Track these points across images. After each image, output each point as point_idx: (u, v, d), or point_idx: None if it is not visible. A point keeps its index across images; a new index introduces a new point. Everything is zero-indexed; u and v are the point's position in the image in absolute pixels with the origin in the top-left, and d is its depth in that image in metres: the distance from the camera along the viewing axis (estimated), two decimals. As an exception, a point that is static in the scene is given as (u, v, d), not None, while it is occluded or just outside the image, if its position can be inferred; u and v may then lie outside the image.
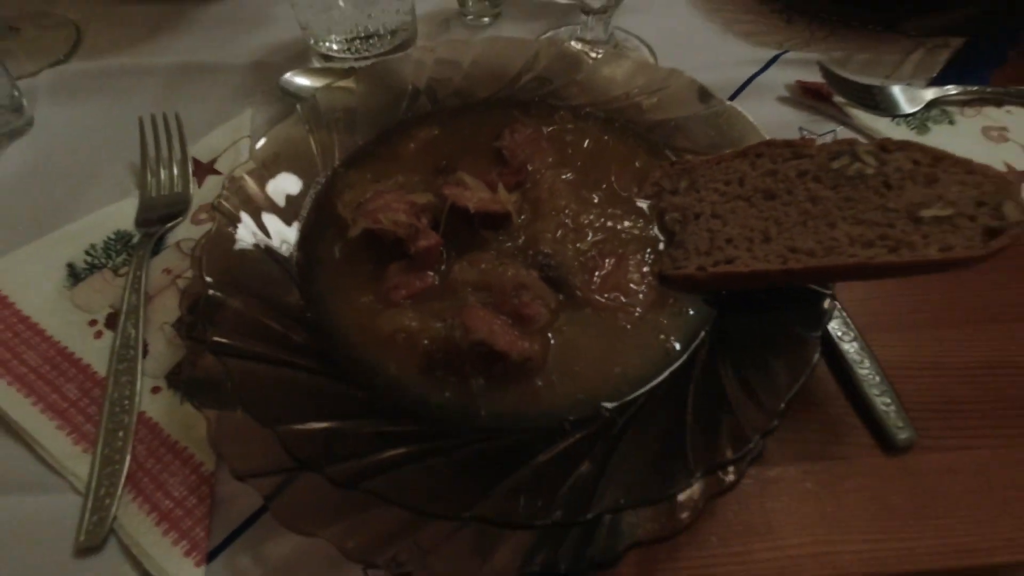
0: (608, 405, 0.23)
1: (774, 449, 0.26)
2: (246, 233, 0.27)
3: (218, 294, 0.25)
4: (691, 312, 0.26)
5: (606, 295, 0.26)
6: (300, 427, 0.21)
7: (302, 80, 0.39)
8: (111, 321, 0.32)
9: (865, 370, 0.28)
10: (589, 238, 0.28)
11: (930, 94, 0.40)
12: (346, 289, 0.27)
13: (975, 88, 0.41)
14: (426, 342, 0.24)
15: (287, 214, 0.29)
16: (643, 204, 0.29)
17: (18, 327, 0.31)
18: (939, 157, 0.25)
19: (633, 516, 0.22)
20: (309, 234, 0.29)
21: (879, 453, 0.27)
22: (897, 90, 0.41)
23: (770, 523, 0.25)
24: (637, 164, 0.32)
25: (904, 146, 0.26)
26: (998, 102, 0.41)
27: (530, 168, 0.31)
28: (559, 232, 0.28)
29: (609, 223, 0.29)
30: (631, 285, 0.26)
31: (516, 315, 0.25)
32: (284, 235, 0.29)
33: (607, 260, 0.27)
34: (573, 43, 0.41)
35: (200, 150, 0.38)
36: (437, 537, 0.21)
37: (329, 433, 0.22)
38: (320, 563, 0.23)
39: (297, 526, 0.22)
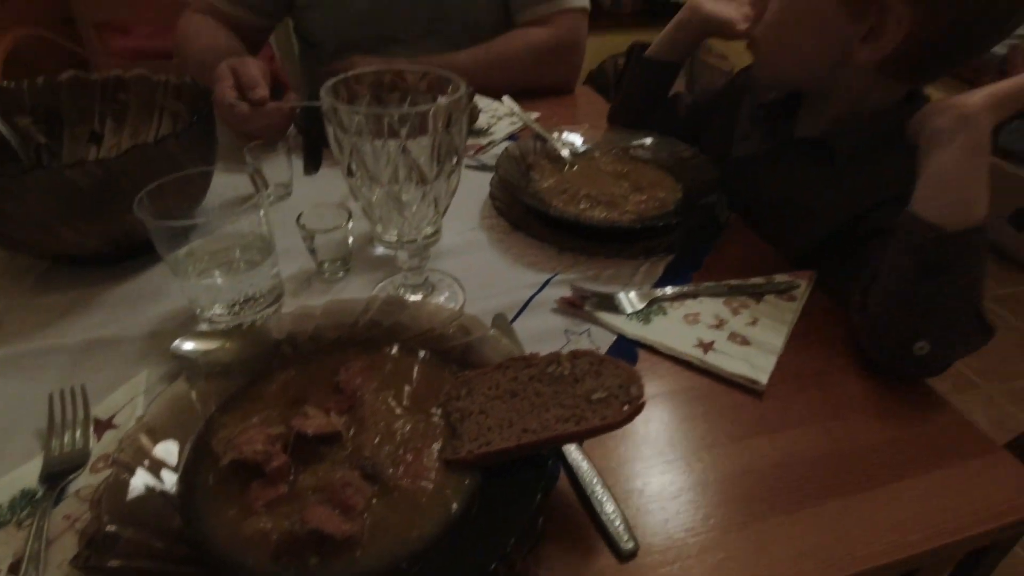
0: (405, 564, 0.33)
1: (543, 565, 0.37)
2: (139, 479, 0.37)
3: (113, 529, 0.34)
4: (467, 481, 0.38)
5: (408, 480, 0.37)
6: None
7: (189, 344, 0.51)
8: (14, 568, 0.38)
9: (597, 489, 0.40)
10: (398, 440, 0.40)
11: (651, 296, 0.59)
12: (218, 507, 0.37)
13: (680, 288, 0.60)
14: (275, 536, 0.34)
15: (172, 457, 0.39)
16: (437, 410, 0.42)
17: (-72, 589, 0.37)
18: (603, 360, 0.40)
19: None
20: (189, 468, 0.39)
21: (614, 562, 0.38)
22: (630, 295, 0.59)
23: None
24: (437, 381, 0.45)
25: (585, 354, 0.41)
26: (694, 295, 0.60)
27: (359, 394, 0.43)
28: (377, 439, 0.40)
29: (413, 427, 0.41)
30: (426, 470, 0.38)
31: (343, 505, 0.35)
32: (169, 474, 0.38)
33: (409, 455, 0.39)
34: (400, 289, 0.57)
35: (100, 410, 0.47)
36: None
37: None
38: None
39: None
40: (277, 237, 0.56)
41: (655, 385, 0.51)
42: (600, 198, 0.68)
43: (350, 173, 0.45)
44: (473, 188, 0.76)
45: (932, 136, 0.49)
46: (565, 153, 0.77)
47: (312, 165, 0.80)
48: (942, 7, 0.51)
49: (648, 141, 0.77)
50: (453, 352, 0.47)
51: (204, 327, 0.55)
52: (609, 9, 3.48)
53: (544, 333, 0.56)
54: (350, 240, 0.62)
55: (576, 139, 0.80)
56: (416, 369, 0.46)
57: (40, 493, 0.42)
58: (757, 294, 0.60)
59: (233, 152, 0.79)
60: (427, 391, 0.44)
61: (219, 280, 0.54)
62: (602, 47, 3.34)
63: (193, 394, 0.43)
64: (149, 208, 0.49)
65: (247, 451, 0.37)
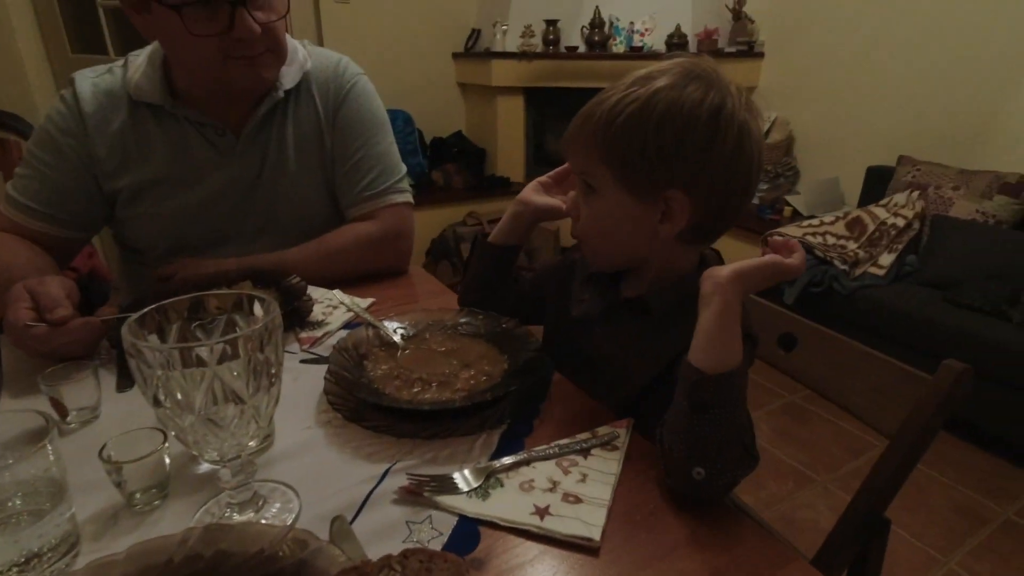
0: None
1: None
2: None
3: None
4: None
5: None
6: None
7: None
8: None
9: None
10: None
11: (487, 469, 0.61)
12: None
13: (515, 457, 0.63)
14: None
15: None
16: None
17: None
18: (432, 556, 0.41)
19: None
20: None
21: None
22: (466, 472, 0.61)
23: None
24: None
25: (415, 552, 0.42)
26: (528, 463, 0.63)
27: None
28: None
29: None
30: None
31: None
32: None
33: None
34: (227, 510, 0.53)
35: None
36: None
37: None
38: None
39: None
40: (78, 471, 0.51)
41: (495, 565, 0.52)
42: (432, 379, 0.72)
43: (157, 403, 0.45)
44: (308, 382, 0.76)
45: (701, 299, 0.61)
46: (397, 338, 0.81)
47: (127, 382, 0.76)
48: (707, 192, 0.67)
49: (472, 318, 0.85)
50: (286, 572, 0.45)
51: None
52: (443, 186, 3.86)
53: (386, 527, 0.55)
54: (167, 462, 0.58)
55: (407, 323, 0.85)
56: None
57: None
58: (584, 450, 0.65)
59: (19, 378, 0.72)
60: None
61: (-7, 540, 0.47)
62: (441, 217, 3.65)
63: None
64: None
65: None
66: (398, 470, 0.62)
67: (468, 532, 0.55)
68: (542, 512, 0.57)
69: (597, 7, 3.35)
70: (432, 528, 0.55)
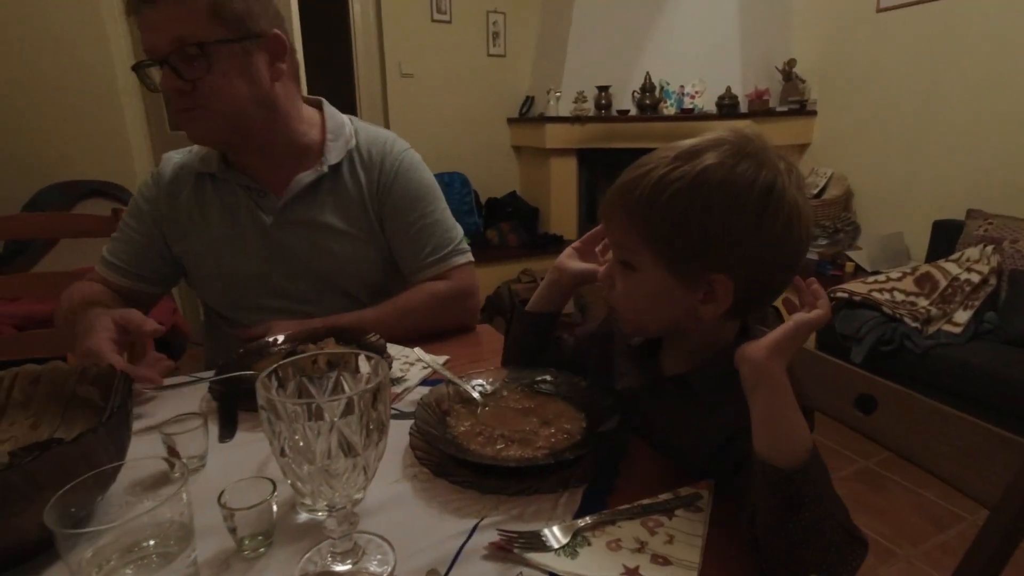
0: None
1: None
2: None
3: None
4: None
5: None
6: None
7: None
8: None
9: None
10: None
11: (573, 527, 0.62)
12: None
13: (599, 515, 0.64)
14: None
15: None
16: None
17: None
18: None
19: None
20: None
21: None
22: (554, 530, 0.62)
23: None
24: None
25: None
26: (612, 521, 0.64)
27: None
28: None
29: None
30: None
31: None
32: None
33: None
34: (328, 558, 0.56)
35: None
36: None
37: None
38: None
39: None
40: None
41: (592, 625, 0.52)
42: (513, 436, 0.74)
43: (283, 454, 0.49)
44: (392, 437, 0.79)
45: (744, 384, 0.59)
46: (476, 395, 0.84)
47: (228, 432, 0.81)
48: (751, 271, 0.64)
49: (548, 376, 0.87)
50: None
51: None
52: (498, 244, 3.97)
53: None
54: (274, 510, 0.62)
55: (484, 381, 0.88)
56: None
57: None
58: (668, 510, 0.65)
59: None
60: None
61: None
62: (496, 275, 3.73)
63: None
64: (59, 513, 0.48)
65: None
66: (486, 525, 0.64)
67: (559, 590, 0.56)
68: (632, 573, 0.57)
69: (648, 72, 3.48)
70: (524, 585, 0.56)
